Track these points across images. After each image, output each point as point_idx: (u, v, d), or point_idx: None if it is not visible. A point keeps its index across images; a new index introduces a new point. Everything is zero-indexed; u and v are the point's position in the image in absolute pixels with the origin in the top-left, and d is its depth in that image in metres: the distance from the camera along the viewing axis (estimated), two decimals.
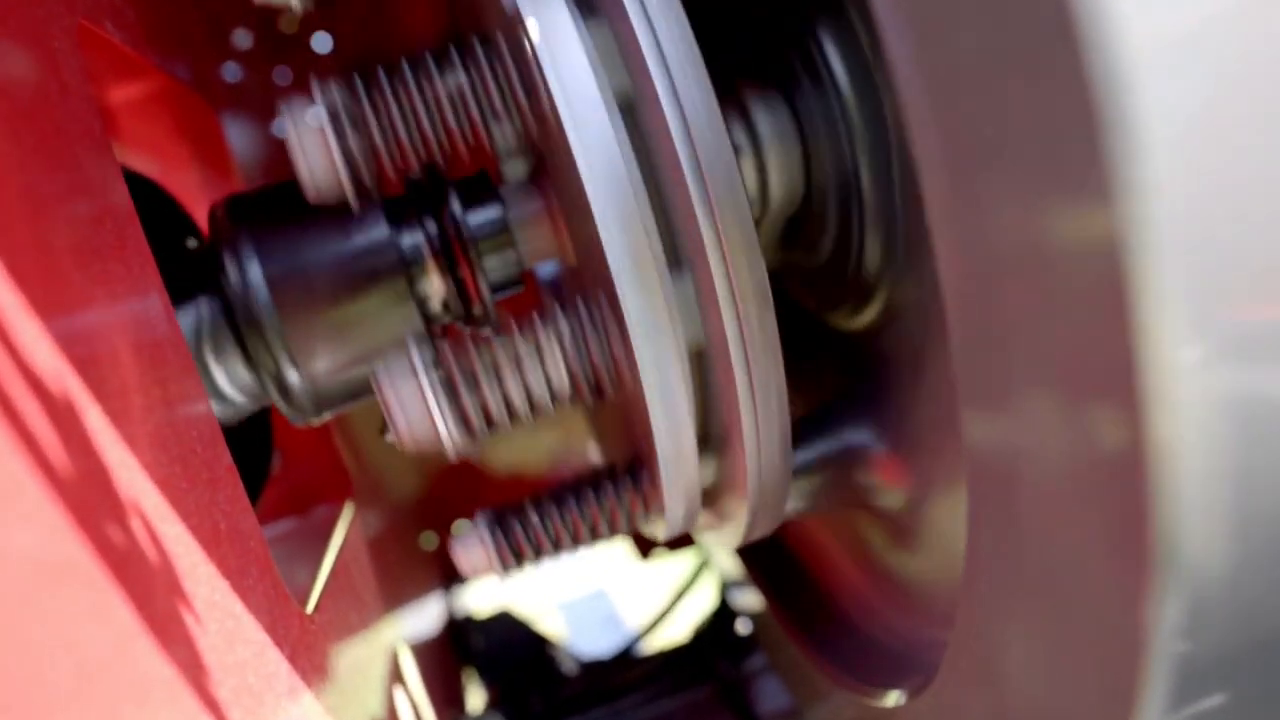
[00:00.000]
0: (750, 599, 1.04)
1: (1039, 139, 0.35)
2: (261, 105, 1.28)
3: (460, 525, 1.42)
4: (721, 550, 0.86)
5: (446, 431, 0.56)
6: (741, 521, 0.64)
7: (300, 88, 0.60)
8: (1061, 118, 0.33)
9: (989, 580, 0.48)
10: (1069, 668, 0.44)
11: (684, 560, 1.42)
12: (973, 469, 0.46)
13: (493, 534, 0.64)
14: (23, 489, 0.34)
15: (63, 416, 0.39)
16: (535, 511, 0.66)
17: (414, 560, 1.32)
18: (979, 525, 0.47)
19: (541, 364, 0.57)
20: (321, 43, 1.30)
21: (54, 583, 0.35)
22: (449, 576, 1.41)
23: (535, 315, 0.59)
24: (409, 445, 0.57)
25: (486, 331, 0.59)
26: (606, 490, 0.66)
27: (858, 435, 0.67)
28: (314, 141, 0.55)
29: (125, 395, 0.46)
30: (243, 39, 1.29)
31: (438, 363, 0.57)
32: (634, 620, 1.74)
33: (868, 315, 0.67)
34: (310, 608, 0.68)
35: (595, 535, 0.67)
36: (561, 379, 0.57)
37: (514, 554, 0.65)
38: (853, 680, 0.73)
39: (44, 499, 0.35)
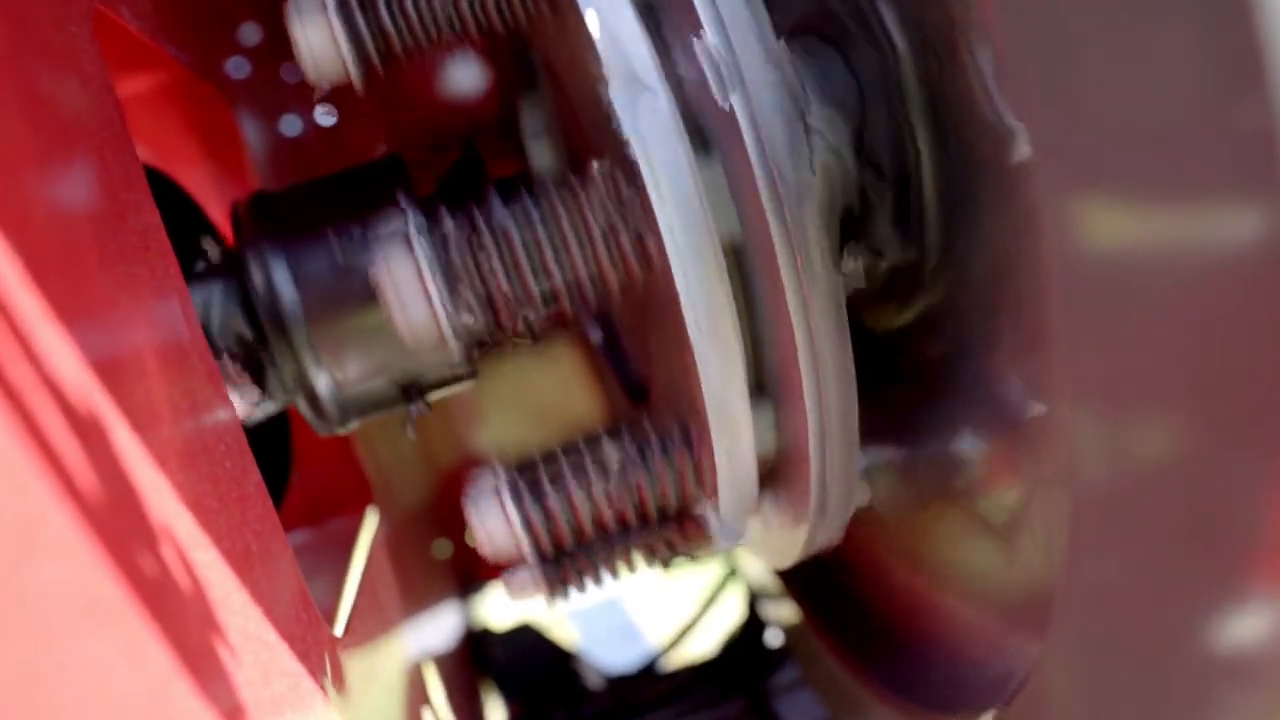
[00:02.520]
0: (782, 610, 1.00)
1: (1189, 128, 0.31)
2: (269, 101, 1.25)
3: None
4: (761, 559, 0.82)
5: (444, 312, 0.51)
6: (807, 507, 0.60)
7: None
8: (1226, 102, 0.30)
9: (1092, 599, 0.45)
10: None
11: (704, 570, 1.38)
12: (1079, 478, 0.43)
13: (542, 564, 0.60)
14: (50, 519, 0.31)
15: (89, 434, 0.35)
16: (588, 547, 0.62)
17: (430, 570, 1.28)
18: (1083, 542, 0.44)
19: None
20: None
21: (84, 623, 0.31)
22: (465, 585, 1.38)
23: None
24: (406, 337, 0.52)
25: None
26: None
27: (958, 439, 0.63)
28: (312, 9, 0.51)
29: (153, 408, 0.42)
30: (250, 34, 1.25)
31: (440, 243, 0.51)
32: (650, 630, 1.70)
33: (909, 314, 0.63)
34: (340, 629, 0.64)
35: (639, 563, 0.63)
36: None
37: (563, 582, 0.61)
38: (910, 703, 0.69)
39: (73, 530, 0.31)
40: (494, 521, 0.55)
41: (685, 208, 0.49)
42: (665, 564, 0.64)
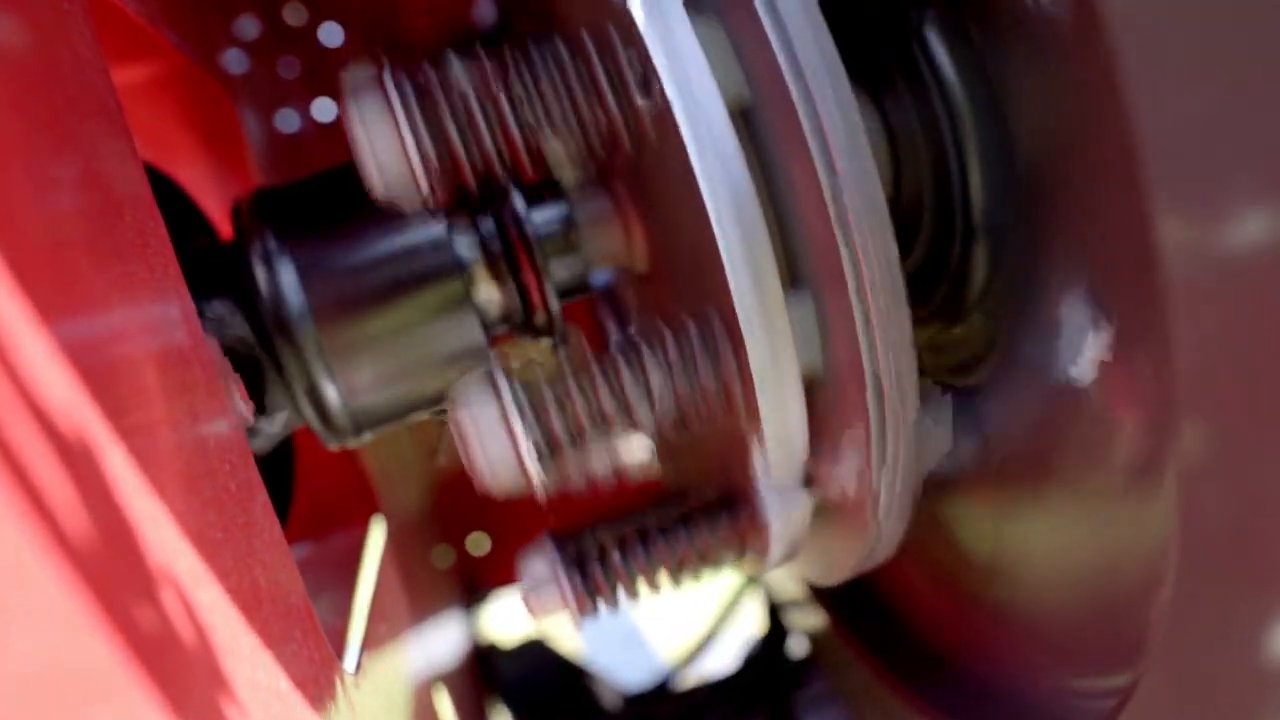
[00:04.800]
0: (807, 617, 0.95)
1: None
2: (266, 97, 1.20)
3: (475, 537, 1.32)
4: (808, 574, 0.77)
5: (536, 469, 0.47)
6: (864, 539, 0.54)
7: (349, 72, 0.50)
8: None
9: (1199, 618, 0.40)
10: None
11: (719, 579, 1.33)
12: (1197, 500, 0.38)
13: (568, 573, 0.55)
14: (30, 574, 0.26)
15: (79, 464, 0.31)
16: (613, 547, 0.57)
17: (434, 580, 1.23)
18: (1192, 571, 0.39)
19: (647, 391, 0.47)
20: (330, 35, 1.22)
21: (72, 696, 0.27)
22: (468, 596, 1.32)
23: (628, 335, 0.49)
24: (490, 484, 0.48)
25: (571, 353, 0.49)
26: (693, 523, 0.57)
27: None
28: (384, 133, 0.45)
29: (151, 428, 0.38)
30: (247, 27, 1.21)
31: (525, 392, 0.47)
32: (660, 638, 1.66)
33: (960, 333, 0.58)
34: (353, 665, 0.59)
35: (680, 575, 0.58)
36: (666, 407, 0.48)
37: (590, 596, 0.57)
38: None
39: (59, 585, 0.26)
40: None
41: (684, 56, 0.44)
42: (706, 568, 0.58)
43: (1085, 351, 0.46)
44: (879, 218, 0.45)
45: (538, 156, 0.46)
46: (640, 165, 0.53)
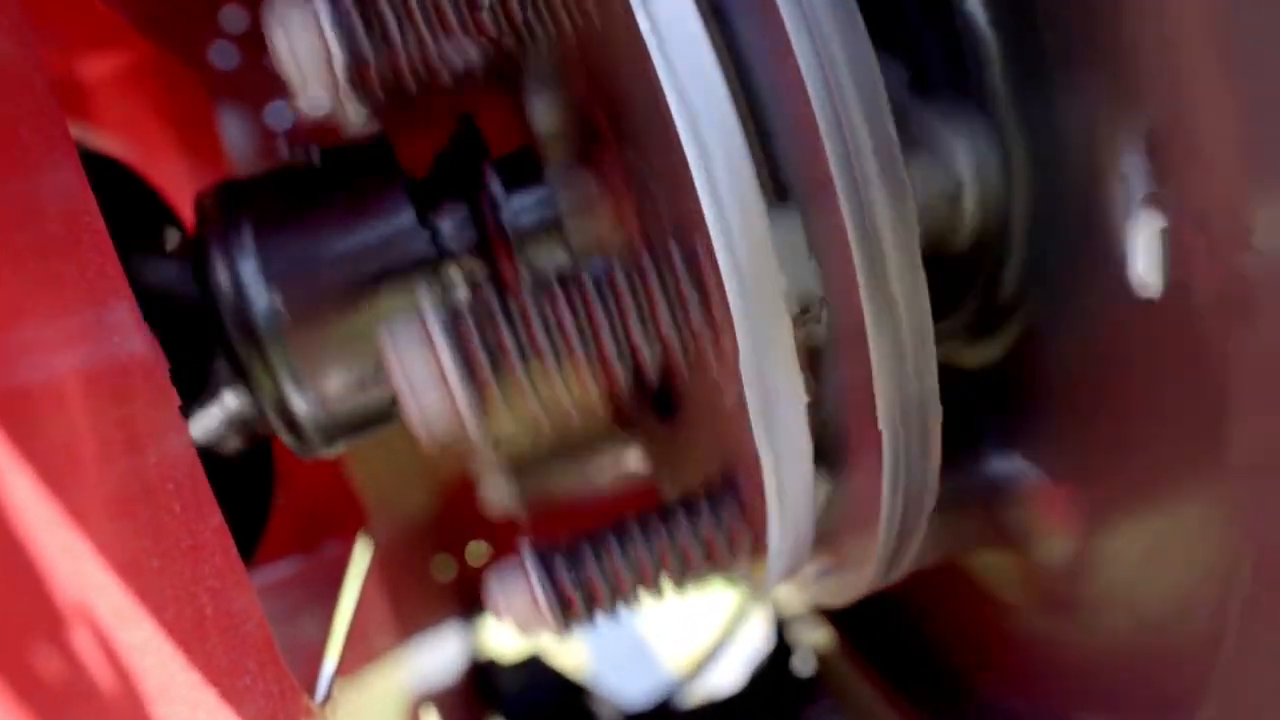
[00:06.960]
0: (814, 633, 0.91)
1: None
2: (256, 92, 1.16)
3: (476, 547, 1.28)
4: (818, 595, 0.71)
5: (469, 410, 0.40)
6: (872, 553, 0.49)
7: None
8: None
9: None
10: None
11: (724, 589, 1.29)
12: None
13: (541, 575, 0.50)
14: None
15: None
16: (594, 550, 0.52)
17: (430, 592, 1.19)
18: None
19: (608, 316, 0.41)
20: None
21: None
22: (468, 608, 1.28)
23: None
24: (421, 434, 0.41)
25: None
26: (685, 523, 0.52)
27: (1005, 465, 0.54)
28: (299, 16, 0.41)
29: (72, 447, 0.33)
30: (236, 19, 1.16)
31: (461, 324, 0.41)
32: (666, 651, 1.62)
33: (996, 345, 0.54)
34: (321, 695, 0.55)
35: (675, 580, 0.53)
36: (635, 333, 0.41)
37: (570, 601, 0.52)
38: None
39: None
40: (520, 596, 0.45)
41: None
42: (698, 576, 0.54)
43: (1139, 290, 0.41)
44: (876, 107, 0.39)
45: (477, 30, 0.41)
46: (596, 58, 0.47)
